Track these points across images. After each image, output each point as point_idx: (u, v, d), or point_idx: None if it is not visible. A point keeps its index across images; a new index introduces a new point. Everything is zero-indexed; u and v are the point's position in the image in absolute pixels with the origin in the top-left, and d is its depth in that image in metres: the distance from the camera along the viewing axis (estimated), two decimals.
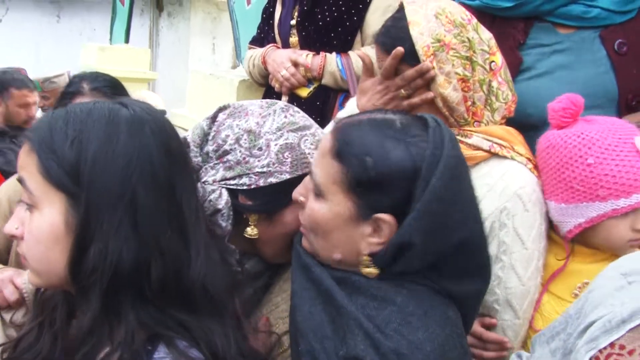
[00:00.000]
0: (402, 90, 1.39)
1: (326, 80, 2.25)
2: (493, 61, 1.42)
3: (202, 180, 1.20)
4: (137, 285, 0.89)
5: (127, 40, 6.47)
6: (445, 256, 1.02)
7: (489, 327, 1.41)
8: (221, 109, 1.25)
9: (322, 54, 2.26)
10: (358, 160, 1.00)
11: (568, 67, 1.62)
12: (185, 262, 0.93)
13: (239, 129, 1.19)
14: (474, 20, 1.43)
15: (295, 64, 2.25)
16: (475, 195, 1.08)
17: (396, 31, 1.40)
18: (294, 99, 2.27)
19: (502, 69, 1.44)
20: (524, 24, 1.66)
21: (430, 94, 1.38)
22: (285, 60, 2.27)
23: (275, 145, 1.17)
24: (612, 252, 1.37)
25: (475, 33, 1.41)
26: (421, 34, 1.36)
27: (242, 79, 3.11)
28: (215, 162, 1.20)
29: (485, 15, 1.66)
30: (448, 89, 1.37)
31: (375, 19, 2.17)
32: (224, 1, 4.45)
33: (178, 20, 7.83)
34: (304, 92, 2.28)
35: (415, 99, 1.40)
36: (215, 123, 1.23)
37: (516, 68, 1.62)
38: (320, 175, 1.05)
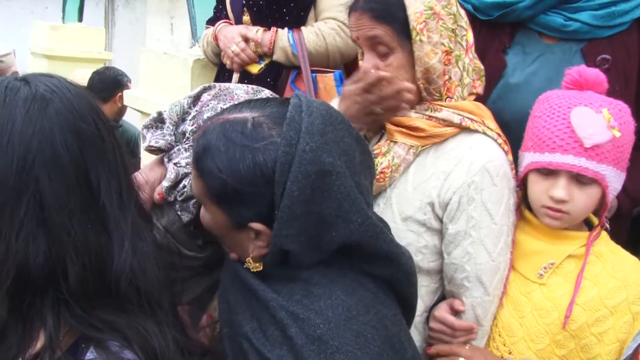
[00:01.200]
0: (377, 108, 1.37)
1: (277, 56, 2.21)
2: (466, 38, 1.42)
3: (174, 161, 1.17)
4: (55, 286, 0.80)
5: (80, 19, 6.31)
6: (340, 248, 1.01)
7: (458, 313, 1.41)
8: (206, 89, 1.23)
9: (273, 29, 2.21)
10: (212, 175, 1.00)
11: (546, 78, 1.62)
12: (107, 257, 0.84)
13: None
14: None
15: (246, 39, 2.21)
16: (355, 188, 1.02)
17: None
18: (245, 76, 2.23)
19: (472, 47, 1.44)
20: (511, 28, 1.68)
21: (403, 111, 1.38)
22: (236, 35, 2.22)
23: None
24: (572, 234, 1.39)
25: (457, 8, 1.41)
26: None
27: (197, 58, 3.04)
28: (192, 144, 1.14)
29: (475, 18, 1.68)
30: (434, 59, 1.36)
31: None
32: None
33: None
34: (254, 69, 2.23)
35: (388, 118, 1.39)
36: (199, 103, 1.20)
37: (500, 71, 1.66)
38: (193, 187, 1.08)
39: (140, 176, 1.16)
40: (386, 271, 1.08)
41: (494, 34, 1.68)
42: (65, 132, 0.82)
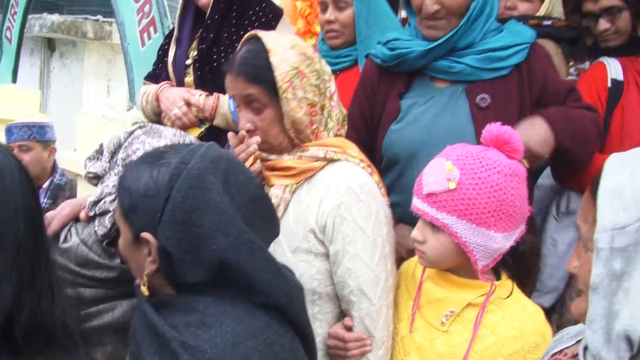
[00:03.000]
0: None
1: (218, 122, 2.26)
2: (330, 89, 1.59)
3: (104, 183, 1.38)
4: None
5: (14, 80, 6.19)
6: (217, 273, 1.10)
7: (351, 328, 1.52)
8: (140, 127, 1.44)
9: (215, 94, 2.27)
10: (123, 190, 1.16)
11: (434, 117, 1.81)
12: (47, 302, 0.91)
13: (149, 145, 1.37)
14: (318, 54, 1.62)
15: (188, 104, 2.25)
16: (234, 205, 1.13)
17: (257, 61, 1.51)
18: None
19: (335, 94, 1.61)
20: (407, 76, 1.88)
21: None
22: (178, 99, 2.26)
23: None
24: (473, 283, 1.43)
25: (320, 65, 1.57)
26: (280, 62, 1.50)
27: (135, 121, 3.06)
28: (120, 169, 1.35)
29: (382, 68, 1.92)
30: (300, 113, 1.51)
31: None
32: (120, 43, 4.39)
33: (71, 61, 7.60)
34: (195, 132, 2.27)
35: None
36: (131, 136, 1.42)
37: (395, 114, 1.86)
38: (115, 214, 1.22)
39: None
40: (273, 299, 1.14)
41: (394, 81, 1.89)
42: None
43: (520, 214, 1.41)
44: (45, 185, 3.52)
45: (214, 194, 1.09)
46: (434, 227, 1.39)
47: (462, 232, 1.36)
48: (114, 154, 1.42)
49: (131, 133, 1.42)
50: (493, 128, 1.41)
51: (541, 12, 2.61)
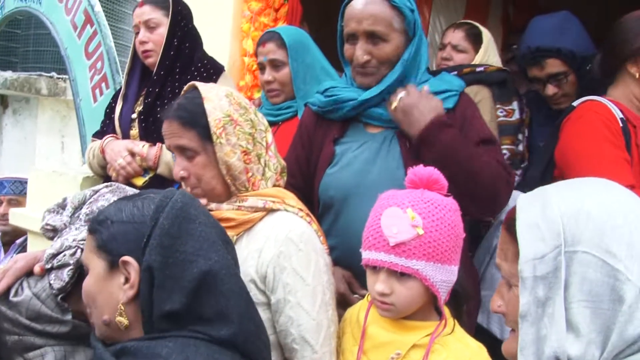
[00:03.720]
0: None
1: (161, 170, 2.35)
2: (266, 140, 1.67)
3: (64, 237, 1.38)
4: None
5: None
6: (194, 295, 1.14)
7: None
8: (107, 185, 1.49)
9: (158, 144, 2.36)
10: (99, 225, 1.21)
11: (367, 161, 1.87)
12: None
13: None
14: (253, 106, 1.70)
15: (132, 153, 2.34)
16: (213, 235, 1.22)
17: (192, 106, 1.59)
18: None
19: (273, 145, 1.68)
20: (342, 123, 1.97)
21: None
22: (122, 149, 2.35)
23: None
24: (418, 324, 1.47)
25: (255, 116, 1.66)
26: (214, 108, 1.58)
27: (87, 176, 3.09)
28: (82, 224, 1.39)
29: (319, 115, 2.01)
30: (233, 158, 1.58)
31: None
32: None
33: (24, 117, 7.57)
34: (139, 181, 2.34)
35: None
36: (97, 193, 1.46)
37: (330, 159, 1.93)
38: (84, 251, 1.27)
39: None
40: (231, 331, 1.17)
41: (330, 127, 1.98)
42: None
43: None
44: (19, 240, 3.57)
45: (197, 224, 1.19)
46: (400, 276, 1.40)
47: (430, 274, 1.38)
48: (77, 209, 1.45)
49: (97, 191, 1.46)
50: (421, 170, 1.46)
51: (476, 61, 2.81)
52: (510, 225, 1.04)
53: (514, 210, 1.05)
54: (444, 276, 1.41)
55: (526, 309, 0.97)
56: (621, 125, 1.97)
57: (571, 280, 0.94)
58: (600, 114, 1.98)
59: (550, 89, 2.31)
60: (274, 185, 1.67)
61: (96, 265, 1.21)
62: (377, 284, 1.42)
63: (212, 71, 2.50)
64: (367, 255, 1.44)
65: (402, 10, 1.84)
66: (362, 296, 1.74)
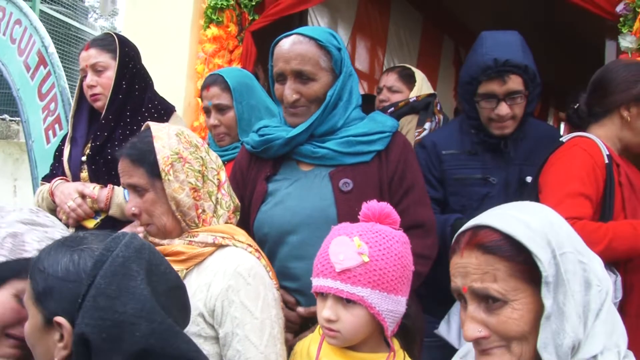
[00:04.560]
0: None
1: (113, 212, 2.31)
2: (219, 178, 1.70)
3: None
4: None
5: None
6: (143, 353, 1.09)
7: None
8: (31, 210, 1.53)
9: (109, 185, 2.33)
10: (37, 274, 1.16)
11: (299, 198, 1.89)
12: None
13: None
14: (206, 145, 1.73)
15: (82, 196, 2.30)
16: (155, 293, 1.14)
17: (142, 145, 1.63)
18: (82, 231, 2.29)
19: (226, 184, 1.71)
20: (274, 161, 1.99)
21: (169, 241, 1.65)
22: (73, 191, 2.31)
23: (5, 231, 1.44)
24: (370, 356, 1.49)
25: (207, 154, 1.70)
26: (163, 146, 1.62)
27: None
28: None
29: (252, 153, 2.04)
30: (181, 194, 1.61)
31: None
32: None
33: None
34: (90, 224, 2.30)
35: None
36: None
37: (263, 196, 1.95)
38: (25, 297, 1.23)
39: None
40: None
41: (263, 165, 2.00)
42: None
43: (411, 277, 1.52)
44: None
45: (138, 282, 1.10)
46: (346, 303, 1.43)
47: (376, 302, 1.41)
48: None
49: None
50: (374, 204, 1.53)
51: (412, 95, 3.06)
52: (491, 248, 1.13)
53: (486, 234, 1.15)
54: (390, 306, 1.44)
55: (550, 310, 1.08)
56: (607, 161, 2.05)
57: (567, 277, 1.10)
58: (587, 151, 2.07)
59: (504, 108, 2.23)
60: (226, 223, 1.68)
61: (33, 314, 1.16)
62: (324, 310, 1.45)
63: (163, 112, 2.50)
64: (316, 282, 1.48)
65: (329, 49, 1.89)
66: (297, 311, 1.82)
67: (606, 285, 1.15)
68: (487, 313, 1.14)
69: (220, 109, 2.43)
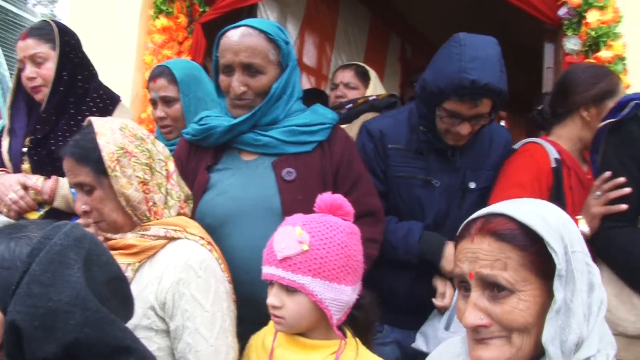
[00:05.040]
0: None
1: (58, 203, 2.26)
2: (167, 168, 1.69)
3: None
4: None
5: None
6: (76, 342, 1.06)
7: None
8: None
9: (53, 177, 2.28)
10: None
11: (242, 188, 1.89)
12: None
13: None
14: (152, 136, 1.71)
15: (25, 187, 2.24)
16: (93, 283, 1.13)
17: (85, 142, 1.61)
18: None
19: (175, 174, 1.71)
20: (214, 150, 1.98)
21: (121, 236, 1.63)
22: (14, 183, 2.24)
23: None
24: (323, 343, 1.52)
25: (153, 146, 1.68)
26: (107, 142, 1.59)
27: None
28: None
29: (191, 143, 2.02)
30: (130, 189, 1.59)
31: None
32: None
33: None
34: (33, 216, 2.24)
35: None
36: None
37: (204, 186, 1.93)
38: None
39: None
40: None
41: (203, 155, 1.99)
42: None
43: (361, 268, 1.54)
44: None
45: (74, 270, 1.07)
46: (289, 290, 1.46)
47: (317, 290, 1.44)
48: None
49: None
50: (326, 197, 1.56)
51: (368, 93, 3.11)
52: (505, 235, 1.12)
53: (500, 222, 1.13)
54: (333, 294, 1.47)
55: (561, 304, 1.08)
56: (554, 165, 2.11)
57: (577, 275, 1.10)
58: (534, 157, 2.14)
59: (466, 128, 2.07)
60: (179, 214, 1.69)
61: None
62: (269, 297, 1.49)
63: (109, 101, 2.45)
64: (263, 269, 1.52)
65: (278, 42, 1.91)
66: None
67: (603, 293, 1.16)
68: (491, 301, 1.12)
69: (167, 101, 2.40)
